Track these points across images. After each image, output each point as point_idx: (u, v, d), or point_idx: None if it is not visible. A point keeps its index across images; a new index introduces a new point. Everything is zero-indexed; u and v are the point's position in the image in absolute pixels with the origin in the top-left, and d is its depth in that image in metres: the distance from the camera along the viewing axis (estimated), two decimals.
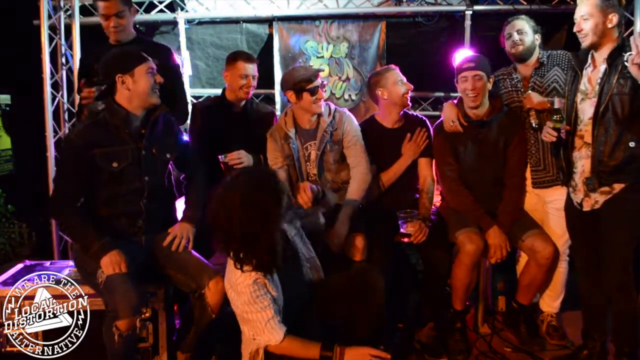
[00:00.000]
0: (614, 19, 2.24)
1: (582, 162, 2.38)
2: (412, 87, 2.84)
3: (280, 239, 1.93)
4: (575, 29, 2.33)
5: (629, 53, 2.09)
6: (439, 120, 2.84)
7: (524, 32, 2.74)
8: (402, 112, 2.87)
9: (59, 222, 2.55)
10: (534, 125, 2.60)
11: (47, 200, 3.61)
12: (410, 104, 2.87)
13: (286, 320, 1.97)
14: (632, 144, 2.23)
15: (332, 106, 2.81)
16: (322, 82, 2.69)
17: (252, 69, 2.87)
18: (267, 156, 2.84)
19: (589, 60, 2.38)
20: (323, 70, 2.76)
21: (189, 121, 3.15)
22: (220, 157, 2.73)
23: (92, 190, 2.27)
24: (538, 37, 2.78)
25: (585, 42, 2.31)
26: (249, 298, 1.90)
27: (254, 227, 1.84)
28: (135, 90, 2.23)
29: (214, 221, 1.89)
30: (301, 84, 2.64)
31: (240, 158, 2.77)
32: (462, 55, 3.15)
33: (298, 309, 2.09)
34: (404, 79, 2.83)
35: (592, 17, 2.25)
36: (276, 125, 2.84)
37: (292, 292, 2.07)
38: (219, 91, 3.14)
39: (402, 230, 2.59)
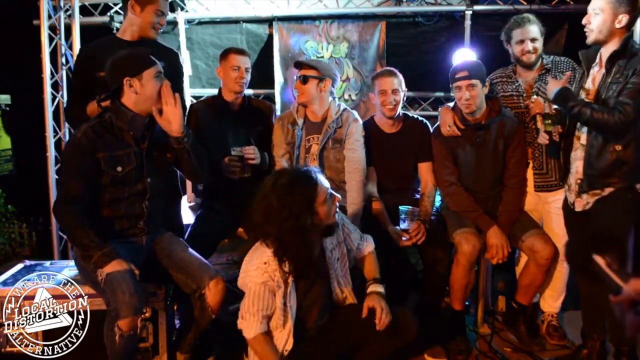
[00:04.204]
0: (623, 19, 2.20)
1: (577, 163, 2.39)
2: (393, 100, 2.73)
3: (310, 245, 1.96)
4: (583, 21, 2.30)
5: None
6: (436, 124, 2.84)
7: (537, 40, 2.71)
8: (401, 115, 2.86)
9: (62, 225, 2.52)
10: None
11: (47, 200, 3.68)
12: (394, 114, 2.78)
13: (299, 333, 2.01)
14: (619, 148, 2.24)
15: (343, 106, 2.85)
16: (303, 77, 2.74)
17: (243, 61, 2.83)
18: (270, 152, 2.87)
19: (597, 60, 2.37)
20: (309, 65, 2.79)
21: None
22: (233, 150, 2.72)
23: (95, 192, 2.25)
24: (542, 39, 2.76)
25: (589, 38, 2.30)
26: (251, 293, 1.97)
27: (287, 223, 1.89)
28: (142, 94, 2.21)
29: (255, 210, 1.97)
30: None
31: (256, 154, 2.77)
32: (457, 60, 3.13)
33: (315, 324, 2.10)
34: (393, 87, 2.73)
35: (602, 13, 2.22)
36: (287, 111, 2.93)
37: (313, 305, 2.09)
38: None
39: (401, 225, 2.61)
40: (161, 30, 2.73)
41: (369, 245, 2.30)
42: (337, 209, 2.06)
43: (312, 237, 1.97)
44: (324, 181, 2.00)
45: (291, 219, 1.88)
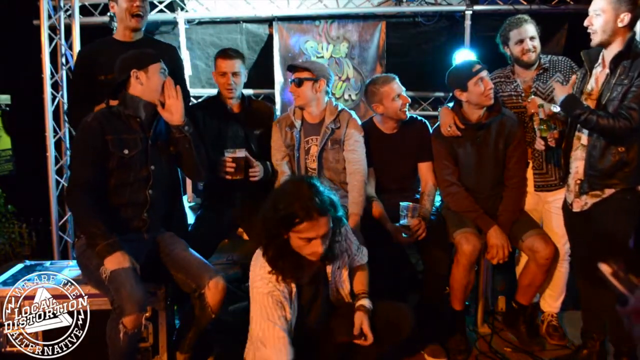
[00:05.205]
0: (625, 18, 2.19)
1: (577, 163, 2.39)
2: (409, 100, 2.82)
3: (288, 257, 1.89)
4: (585, 23, 2.29)
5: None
6: (436, 124, 2.84)
7: (535, 38, 2.72)
8: None
9: (73, 211, 2.57)
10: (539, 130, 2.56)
11: (47, 200, 3.68)
12: (407, 116, 2.82)
13: (298, 344, 1.95)
14: (621, 149, 2.23)
15: (340, 106, 2.84)
16: (297, 80, 2.74)
17: (229, 65, 2.77)
18: (270, 158, 2.87)
19: (600, 60, 2.35)
20: (302, 67, 2.79)
21: None
22: (226, 152, 2.71)
23: (103, 178, 2.29)
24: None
25: (593, 40, 2.29)
26: (261, 307, 1.90)
27: (271, 229, 1.87)
28: (147, 86, 2.33)
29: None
30: None
31: (259, 171, 2.77)
32: (463, 60, 3.12)
33: (313, 339, 2.08)
34: (402, 91, 2.78)
35: (604, 13, 2.21)
36: (284, 114, 2.91)
37: (311, 313, 2.08)
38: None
39: (402, 221, 2.60)
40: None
41: (362, 258, 2.25)
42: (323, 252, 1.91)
43: (289, 251, 1.90)
44: (317, 224, 1.81)
45: (268, 227, 1.87)
